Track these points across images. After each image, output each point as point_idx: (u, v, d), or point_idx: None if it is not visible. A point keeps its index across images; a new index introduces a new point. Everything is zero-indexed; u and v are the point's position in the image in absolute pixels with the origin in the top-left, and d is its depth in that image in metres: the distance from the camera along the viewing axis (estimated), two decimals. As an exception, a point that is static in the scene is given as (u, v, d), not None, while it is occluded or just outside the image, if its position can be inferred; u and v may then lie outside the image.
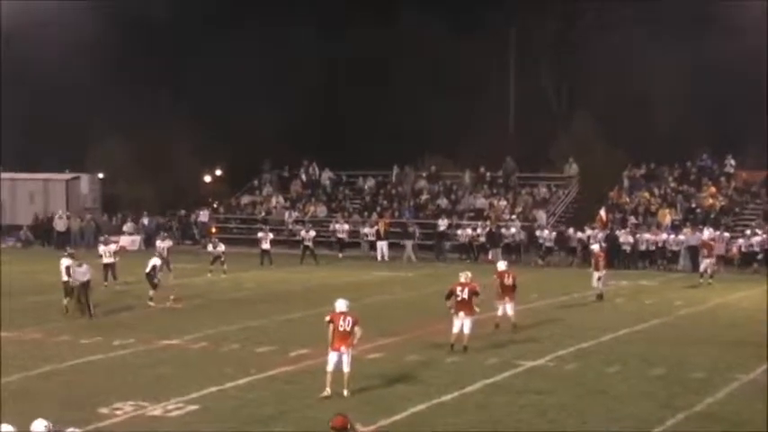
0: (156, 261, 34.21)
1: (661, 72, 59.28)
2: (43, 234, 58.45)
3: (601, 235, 48.91)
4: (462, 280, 25.26)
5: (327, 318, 20.34)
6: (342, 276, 42.90)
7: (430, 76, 66.59)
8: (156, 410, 19.00)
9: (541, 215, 53.31)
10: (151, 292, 33.36)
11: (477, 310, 25.24)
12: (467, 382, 21.49)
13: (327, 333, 20.28)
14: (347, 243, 54.26)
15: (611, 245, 48.02)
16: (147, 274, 33.59)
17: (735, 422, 18.47)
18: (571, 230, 50.24)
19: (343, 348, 20.10)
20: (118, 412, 18.80)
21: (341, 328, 20.09)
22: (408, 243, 52.06)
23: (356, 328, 20.23)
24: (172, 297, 33.65)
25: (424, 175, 60.86)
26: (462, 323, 24.93)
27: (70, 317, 30.31)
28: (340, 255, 52.08)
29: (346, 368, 20.18)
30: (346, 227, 54.44)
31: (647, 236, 48.27)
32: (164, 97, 65.76)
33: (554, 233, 50.52)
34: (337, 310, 20.33)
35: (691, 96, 57.04)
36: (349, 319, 20.23)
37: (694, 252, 45.64)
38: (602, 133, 59.73)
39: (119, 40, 63.88)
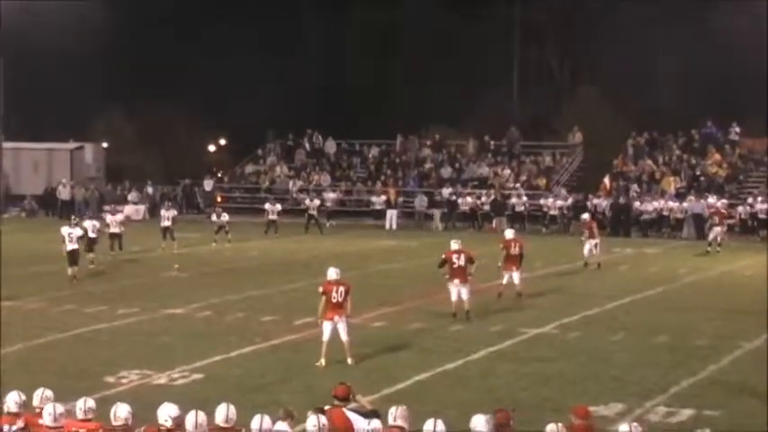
0: (93, 224, 34.50)
1: (665, 40, 59.11)
2: (47, 203, 58.46)
3: (605, 203, 48.95)
4: (455, 247, 25.22)
5: (321, 289, 20.29)
6: (347, 245, 42.91)
7: (434, 45, 66.42)
8: (162, 379, 19.06)
9: (562, 191, 52.50)
10: (91, 255, 33.69)
11: (469, 277, 25.19)
12: (471, 350, 21.52)
13: (319, 304, 20.24)
14: (350, 213, 54.39)
15: (615, 212, 48.07)
16: (92, 239, 33.77)
17: (739, 389, 18.48)
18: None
19: (336, 318, 20.08)
20: (123, 381, 18.86)
21: (334, 299, 20.05)
22: (437, 212, 51.94)
23: (348, 298, 20.23)
24: (176, 266, 33.69)
25: (428, 143, 60.75)
26: (459, 290, 24.94)
27: (75, 286, 30.34)
28: (334, 223, 51.87)
29: (344, 336, 20.20)
30: (332, 195, 54.65)
31: (651, 204, 48.21)
32: (167, 66, 65.59)
33: (558, 201, 50.46)
34: (328, 278, 20.31)
35: (695, 64, 56.87)
36: (341, 288, 20.20)
37: (699, 220, 45.63)
38: (606, 101, 59.61)
39: (122, 9, 63.71)
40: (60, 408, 11.88)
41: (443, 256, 25.29)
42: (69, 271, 31.15)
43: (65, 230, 31.76)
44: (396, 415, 11.70)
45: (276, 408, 12.98)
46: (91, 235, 34.18)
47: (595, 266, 34.89)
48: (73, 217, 35.93)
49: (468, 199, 52.26)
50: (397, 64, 65.55)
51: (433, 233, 48.94)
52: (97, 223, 35.25)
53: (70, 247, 31.40)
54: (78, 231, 32.11)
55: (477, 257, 25.62)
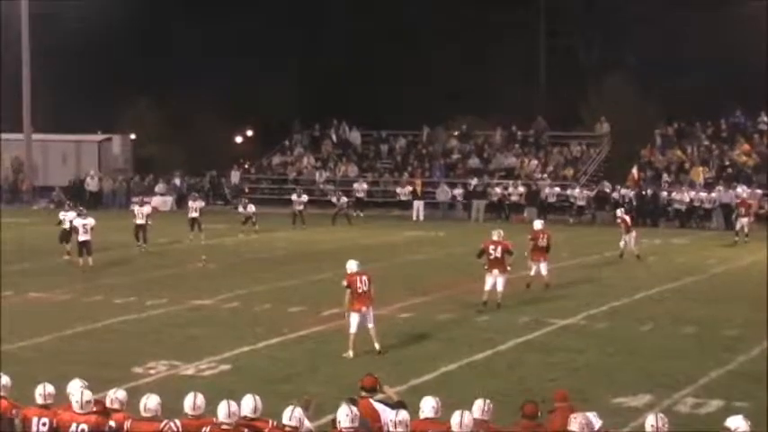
0: (70, 215, 34.67)
1: (693, 29, 58.78)
2: (75, 195, 58.69)
3: (632, 193, 48.78)
4: (495, 238, 25.25)
5: (344, 282, 20.27)
6: (374, 236, 42.89)
7: (460, 35, 66.25)
8: (189, 370, 19.11)
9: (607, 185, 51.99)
10: (68, 247, 34.03)
11: (509, 268, 25.26)
12: (498, 341, 21.50)
13: (344, 297, 20.24)
14: (376, 203, 54.39)
15: (643, 203, 47.89)
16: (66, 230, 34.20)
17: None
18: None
19: (363, 309, 20.11)
20: (151, 371, 18.93)
21: (359, 290, 20.07)
22: (481, 203, 51.76)
23: (371, 286, 20.24)
24: (203, 257, 33.77)
25: (455, 134, 60.63)
26: (495, 280, 24.95)
27: (103, 276, 30.45)
28: (361, 214, 51.82)
29: (371, 324, 20.23)
30: (365, 186, 54.53)
31: (679, 194, 47.99)
32: (194, 58, 65.70)
33: (585, 191, 50.33)
34: (349, 271, 20.32)
35: (723, 53, 56.51)
36: (365, 278, 20.21)
37: (728, 210, 45.43)
38: (634, 91, 59.35)
39: (149, 1, 63.88)
40: (88, 394, 11.93)
41: (482, 246, 25.32)
42: (80, 261, 31.56)
43: (78, 222, 32.09)
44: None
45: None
46: (65, 227, 34.62)
47: (634, 258, 34.66)
48: (81, 208, 36.12)
49: (497, 189, 52.13)
50: (424, 55, 65.40)
51: (460, 224, 48.85)
52: (74, 215, 35.06)
53: (83, 237, 31.76)
54: (91, 221, 32.36)
55: (514, 248, 25.60)
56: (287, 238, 41.94)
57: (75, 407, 11.86)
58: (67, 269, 32.24)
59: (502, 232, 25.83)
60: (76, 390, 12.05)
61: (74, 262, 32.67)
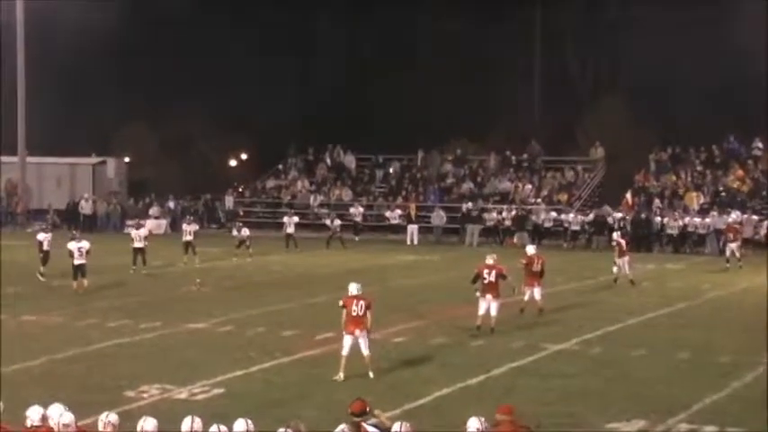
0: (44, 236, 35.41)
1: (687, 54, 58.90)
2: (70, 218, 58.61)
3: (627, 218, 48.80)
4: (489, 262, 25.26)
5: (341, 302, 20.39)
6: (368, 260, 42.88)
7: (455, 60, 66.37)
8: (183, 394, 19.07)
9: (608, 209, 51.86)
10: (42, 268, 34.61)
11: (512, 288, 25.35)
12: (492, 366, 21.47)
13: (341, 317, 20.33)
14: (371, 227, 54.32)
15: (637, 228, 47.91)
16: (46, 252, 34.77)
17: (762, 405, 18.32)
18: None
19: (357, 332, 20.14)
20: (144, 395, 18.86)
21: (353, 313, 20.14)
22: (476, 228, 51.72)
23: (368, 313, 20.25)
24: (198, 281, 33.73)
25: (450, 158, 60.71)
26: (489, 305, 24.94)
27: (97, 299, 30.38)
28: (356, 238, 51.69)
29: (365, 351, 20.24)
30: (360, 210, 54.40)
31: (676, 221, 47.96)
32: (188, 81, 65.76)
33: (579, 216, 50.39)
34: (349, 293, 20.38)
35: (717, 79, 56.64)
36: (362, 303, 20.25)
37: (717, 233, 45.60)
38: (628, 116, 59.43)
39: (142, 23, 63.91)
40: (66, 417, 11.93)
41: (476, 271, 25.32)
42: (75, 284, 31.58)
43: (72, 245, 32.12)
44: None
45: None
46: (45, 248, 34.94)
47: (628, 283, 34.64)
48: (74, 232, 36.42)
49: (494, 214, 52.17)
50: (419, 79, 65.48)
51: (455, 248, 48.84)
52: (50, 236, 35.81)
53: (78, 261, 31.78)
54: (86, 244, 32.39)
55: (507, 272, 25.58)
56: (281, 262, 41.93)
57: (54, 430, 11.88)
58: (61, 292, 32.15)
59: (495, 256, 25.86)
60: (56, 413, 12.07)
61: (70, 285, 32.53)
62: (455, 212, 53.66)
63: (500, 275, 25.06)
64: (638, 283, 34.80)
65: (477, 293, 25.13)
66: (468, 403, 18.29)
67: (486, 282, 24.97)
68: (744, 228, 44.28)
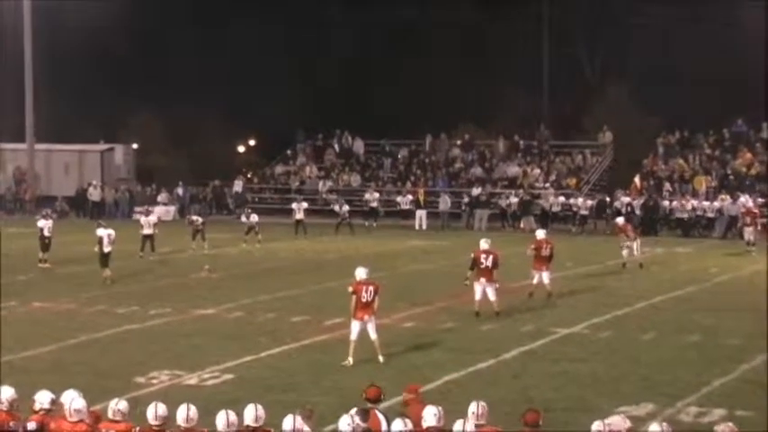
0: (44, 223, 35.32)
1: (695, 38, 58.80)
2: (78, 205, 58.69)
3: (636, 202, 48.73)
4: (485, 247, 25.26)
5: (350, 288, 20.40)
6: (377, 246, 42.86)
7: (463, 45, 66.31)
8: (192, 379, 19.12)
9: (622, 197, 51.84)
10: (43, 254, 34.85)
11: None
12: (502, 350, 21.49)
13: (350, 303, 20.36)
14: (380, 213, 54.28)
15: (646, 212, 47.85)
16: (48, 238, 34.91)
17: (771, 389, 18.38)
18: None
19: (366, 317, 20.18)
20: (154, 381, 18.93)
21: (364, 299, 20.17)
22: (484, 213, 51.74)
23: (376, 297, 20.30)
24: (207, 267, 33.76)
25: (458, 143, 60.64)
26: (485, 289, 24.97)
27: (108, 287, 30.41)
28: (374, 224, 51.63)
29: (374, 335, 20.29)
30: (377, 195, 54.17)
31: (687, 204, 47.82)
32: (196, 67, 65.78)
33: (588, 201, 50.29)
34: (357, 278, 20.39)
35: (725, 62, 56.54)
36: (371, 288, 20.30)
37: (730, 219, 45.46)
38: (636, 100, 59.34)
39: (150, 10, 63.91)
40: (78, 403, 11.97)
41: (473, 255, 25.31)
42: (106, 272, 31.27)
43: (101, 232, 31.83)
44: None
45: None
46: (46, 234, 35.04)
47: (636, 267, 34.60)
48: (100, 221, 36.35)
49: (503, 199, 52.11)
50: (426, 64, 65.42)
51: (463, 233, 48.77)
52: (50, 223, 35.82)
53: (108, 249, 31.53)
54: (113, 232, 32.17)
55: (500, 261, 25.59)
56: (290, 248, 41.93)
57: (66, 415, 11.93)
58: (69, 279, 32.20)
59: (490, 240, 25.89)
60: (68, 398, 12.11)
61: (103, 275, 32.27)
62: (462, 198, 53.58)
63: (495, 262, 25.08)
64: (646, 267, 34.78)
65: (467, 282, 25.17)
66: (479, 388, 18.33)
67: (483, 266, 25.01)
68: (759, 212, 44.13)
